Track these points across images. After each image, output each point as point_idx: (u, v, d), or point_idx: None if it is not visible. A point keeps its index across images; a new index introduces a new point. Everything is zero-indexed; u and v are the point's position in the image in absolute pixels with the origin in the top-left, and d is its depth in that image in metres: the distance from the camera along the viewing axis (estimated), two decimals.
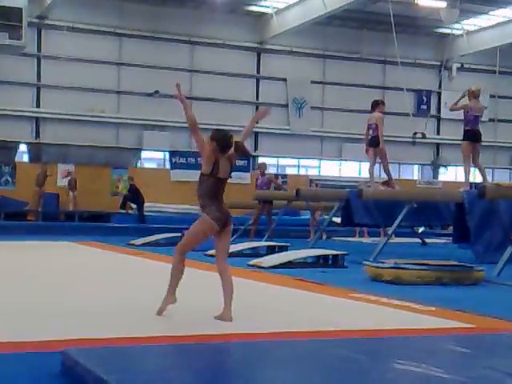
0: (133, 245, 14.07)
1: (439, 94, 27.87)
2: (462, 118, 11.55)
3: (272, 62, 25.53)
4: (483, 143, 11.86)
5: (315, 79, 26.04)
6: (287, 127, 25.65)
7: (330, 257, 10.47)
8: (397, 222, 10.80)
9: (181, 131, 23.89)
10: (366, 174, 26.26)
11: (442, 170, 28.22)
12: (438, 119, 28.03)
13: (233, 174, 5.51)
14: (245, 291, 6.11)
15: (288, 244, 12.17)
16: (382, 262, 8.59)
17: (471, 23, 25.38)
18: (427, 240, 16.34)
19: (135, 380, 3.30)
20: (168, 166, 24.50)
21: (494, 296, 7.64)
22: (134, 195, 21.18)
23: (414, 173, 28.48)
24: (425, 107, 27.26)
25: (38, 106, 22.97)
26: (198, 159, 23.62)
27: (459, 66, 27.72)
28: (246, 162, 23.23)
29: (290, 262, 10.11)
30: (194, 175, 25.49)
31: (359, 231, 18.37)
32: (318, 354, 3.98)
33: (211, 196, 5.35)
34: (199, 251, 12.35)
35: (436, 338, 4.79)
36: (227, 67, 24.71)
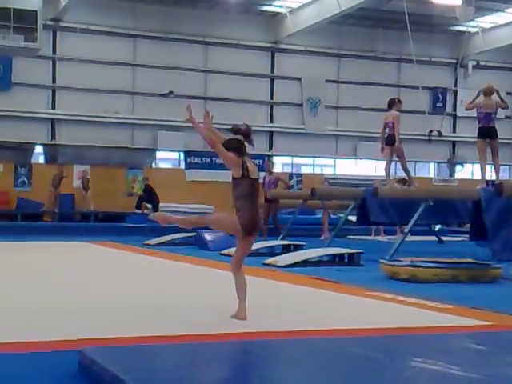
0: (148, 245, 14.11)
1: (455, 91, 27.72)
2: (476, 114, 11.55)
3: (286, 62, 25.50)
4: (500, 140, 11.80)
5: (330, 78, 25.98)
6: (302, 126, 25.61)
7: (346, 255, 10.45)
8: (413, 220, 10.74)
9: (195, 131, 23.87)
10: (381, 173, 26.20)
11: (458, 167, 28.07)
12: (454, 117, 27.88)
13: None
14: (260, 290, 6.11)
15: (303, 243, 12.15)
16: (399, 260, 8.56)
17: (487, 21, 25.21)
18: (444, 238, 16.26)
19: (152, 379, 3.30)
20: (183, 165, 24.54)
21: (511, 293, 7.59)
22: (149, 195, 21.25)
23: (430, 171, 28.34)
24: (440, 105, 27.11)
25: (53, 107, 23.08)
26: (213, 159, 23.70)
27: (475, 63, 27.55)
28: (261, 161, 23.17)
29: (305, 260, 10.10)
30: (209, 175, 25.64)
31: (375, 229, 18.30)
32: (335, 352, 3.97)
33: (247, 198, 5.27)
34: (214, 251, 12.41)
35: (453, 335, 4.76)
36: (241, 67, 24.71)
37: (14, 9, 16.84)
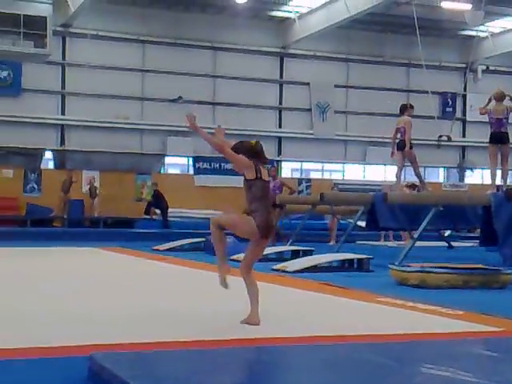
0: (157, 250, 14.11)
1: (464, 96, 27.66)
2: (488, 120, 11.53)
3: (295, 67, 25.51)
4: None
5: (339, 83, 25.98)
6: (311, 131, 25.61)
7: (355, 261, 10.42)
8: (423, 226, 10.70)
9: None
10: (390, 178, 26.18)
11: (468, 172, 27.98)
12: (464, 122, 27.81)
13: None
14: (269, 296, 6.09)
15: (312, 248, 12.13)
16: (408, 266, 8.52)
17: (496, 25, 25.17)
18: (454, 243, 16.19)
19: None
20: (192, 171, 24.57)
21: None
22: (158, 201, 21.28)
23: (439, 176, 28.28)
24: (450, 110, 27.05)
25: (62, 113, 23.16)
26: (222, 164, 23.72)
27: (484, 68, 27.49)
28: (270, 166, 23.16)
29: (314, 266, 10.07)
30: (217, 180, 25.69)
31: (384, 235, 18.25)
32: (345, 358, 3.95)
33: (261, 199, 5.24)
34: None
35: (463, 341, 4.73)
36: (250, 72, 24.74)
37: (24, 15, 16.94)
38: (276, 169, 16.73)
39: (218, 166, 23.59)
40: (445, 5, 22.39)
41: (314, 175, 26.59)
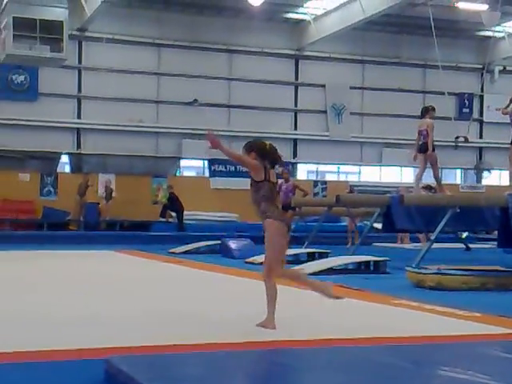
0: (173, 253, 14.14)
1: (481, 97, 27.49)
2: (507, 121, 11.46)
3: (310, 69, 25.48)
4: None
5: (354, 85, 25.91)
6: (326, 133, 25.55)
7: (372, 263, 10.38)
8: (439, 228, 10.64)
9: (220, 139, 23.88)
10: (407, 180, 26.06)
11: (485, 173, 27.80)
12: (481, 122, 27.64)
13: None
14: (285, 298, 6.06)
15: (328, 251, 12.10)
16: (425, 268, 8.48)
17: None
18: (471, 245, 16.10)
19: None
20: (207, 174, 24.59)
21: None
22: (174, 204, 21.31)
23: (456, 177, 28.11)
24: (467, 111, 26.88)
25: (79, 117, 23.27)
26: (238, 167, 23.67)
27: (501, 68, 27.32)
28: (283, 169, 23.13)
29: (330, 268, 10.04)
30: (233, 183, 25.72)
31: (401, 237, 18.18)
32: (361, 360, 3.93)
33: (270, 200, 5.32)
34: (239, 259, 12.40)
35: (481, 344, 4.70)
36: (265, 75, 24.73)
37: (41, 19, 16.99)
38: (289, 171, 16.61)
39: (233, 168, 23.59)
40: (461, 5, 22.27)
41: (329, 177, 26.53)
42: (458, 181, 27.89)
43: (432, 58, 22.94)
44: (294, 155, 25.40)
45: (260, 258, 11.60)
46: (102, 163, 23.11)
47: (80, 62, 23.10)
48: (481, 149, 27.72)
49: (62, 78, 22.52)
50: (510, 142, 11.44)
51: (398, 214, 12.31)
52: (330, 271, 9.89)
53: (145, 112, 23.69)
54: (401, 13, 23.09)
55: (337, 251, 12.28)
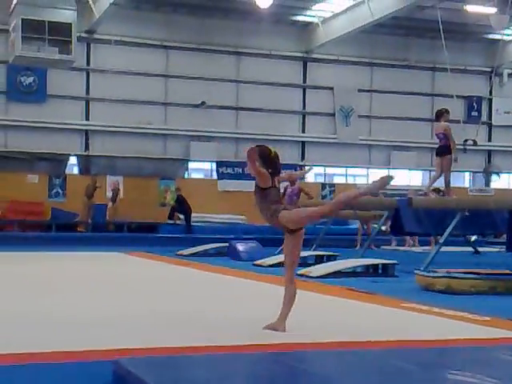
0: (181, 255, 14.14)
1: (490, 100, 27.42)
2: None
3: (318, 71, 25.46)
4: None
5: (362, 87, 25.88)
6: (334, 136, 25.53)
7: (380, 266, 10.35)
8: (448, 231, 10.61)
9: (227, 141, 24.00)
10: (415, 182, 26.02)
11: (494, 177, 27.71)
12: (490, 126, 27.56)
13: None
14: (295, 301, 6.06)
15: (337, 253, 12.07)
16: (434, 271, 8.45)
17: None
18: (480, 248, 16.04)
19: None
20: (215, 176, 24.60)
21: None
22: (182, 206, 21.32)
23: (465, 180, 28.04)
24: (476, 114, 26.81)
25: (87, 118, 23.32)
26: (245, 169, 23.69)
27: (510, 71, 27.23)
28: (293, 170, 23.11)
29: (339, 271, 10.02)
30: (241, 185, 25.69)
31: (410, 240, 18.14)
32: (370, 364, 3.92)
33: (278, 202, 5.36)
34: (247, 261, 12.39)
35: (490, 348, 4.67)
36: (273, 77, 24.73)
37: (49, 21, 17.04)
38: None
39: (241, 170, 23.58)
40: (470, 8, 22.22)
41: (337, 180, 26.50)
42: (467, 184, 27.82)
43: (440, 61, 22.90)
44: (302, 158, 25.38)
45: (269, 261, 11.62)
46: (110, 165, 23.15)
47: (88, 63, 23.15)
48: (489, 152, 27.64)
49: (70, 79, 22.57)
50: None
51: (407, 217, 12.27)
52: (338, 274, 9.87)
53: (153, 114, 23.72)
54: (409, 15, 23.06)
55: (345, 254, 12.25)
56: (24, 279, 9.32)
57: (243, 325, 5.58)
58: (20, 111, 22.29)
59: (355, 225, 18.75)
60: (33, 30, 16.91)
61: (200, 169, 25.46)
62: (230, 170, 24.16)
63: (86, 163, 23.26)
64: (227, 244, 14.11)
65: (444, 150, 11.96)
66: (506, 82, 27.22)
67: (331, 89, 25.48)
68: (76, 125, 23.08)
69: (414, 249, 17.18)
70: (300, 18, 24.36)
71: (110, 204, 21.99)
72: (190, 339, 4.91)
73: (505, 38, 24.66)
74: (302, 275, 9.75)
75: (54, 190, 22.79)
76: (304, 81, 25.48)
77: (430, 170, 26.52)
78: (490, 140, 27.61)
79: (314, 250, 13.50)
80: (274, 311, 5.32)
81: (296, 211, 5.46)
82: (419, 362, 3.92)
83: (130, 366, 3.63)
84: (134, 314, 6.15)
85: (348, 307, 6.95)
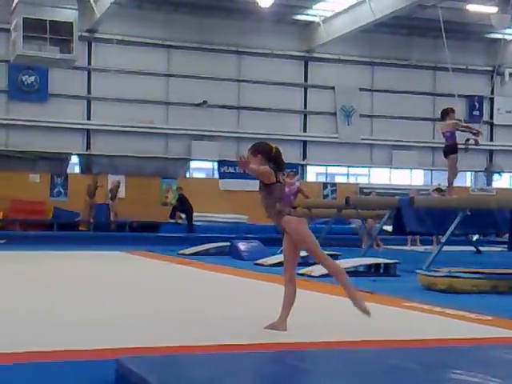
0: (183, 254, 14.14)
1: (492, 99, 27.40)
2: None
3: (320, 71, 25.45)
4: None
5: (364, 87, 25.87)
6: (336, 135, 25.52)
7: (382, 265, 10.35)
8: (450, 230, 10.60)
9: (229, 141, 24.00)
10: (417, 182, 26.00)
11: (495, 176, 27.70)
12: (491, 125, 27.55)
13: None
14: (296, 300, 6.05)
15: (339, 253, 12.06)
16: (436, 271, 8.44)
17: None
18: (482, 248, 16.03)
19: None
20: (217, 175, 24.61)
21: None
22: (183, 205, 21.33)
23: (467, 180, 28.02)
24: (477, 113, 26.80)
25: (88, 118, 23.32)
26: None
27: None
28: (295, 170, 23.13)
29: None
30: (242, 184, 25.74)
31: (411, 239, 18.14)
32: (371, 363, 3.92)
33: (281, 199, 5.37)
34: (249, 260, 12.39)
35: (492, 347, 4.67)
36: (275, 76, 24.73)
37: (50, 21, 17.03)
38: (295, 174, 16.50)
39: (242, 170, 23.58)
40: (471, 8, 22.21)
41: (339, 179, 26.49)
42: (469, 183, 27.81)
43: (442, 61, 22.88)
44: (304, 157, 25.38)
45: (271, 260, 11.62)
46: (111, 164, 23.16)
47: (90, 63, 23.16)
48: (491, 151, 27.63)
49: (71, 79, 22.58)
50: None
51: (408, 217, 12.28)
52: None
53: (154, 113, 23.73)
54: (410, 15, 23.06)
55: (347, 253, 12.25)
56: (26, 278, 9.34)
57: (244, 324, 5.59)
58: (21, 110, 22.31)
59: (356, 224, 18.72)
60: (34, 29, 16.90)
61: (201, 168, 25.48)
62: (231, 170, 24.16)
63: (87, 162, 23.27)
64: (229, 243, 14.11)
65: (450, 149, 11.92)
66: (508, 82, 27.20)
67: (333, 88, 25.48)
68: (77, 124, 23.10)
69: (416, 248, 17.19)
70: (301, 18, 24.36)
71: (110, 202, 21.98)
72: (191, 338, 4.91)
73: (506, 37, 24.66)
74: (303, 275, 9.76)
75: (56, 189, 22.80)
76: (305, 80, 25.47)
77: (432, 170, 26.54)
78: (491, 139, 27.59)
79: None
80: (276, 310, 5.32)
81: (309, 235, 5.33)
82: (421, 361, 3.92)
83: (132, 365, 3.63)
84: (135, 313, 6.15)
85: (349, 306, 6.94)
